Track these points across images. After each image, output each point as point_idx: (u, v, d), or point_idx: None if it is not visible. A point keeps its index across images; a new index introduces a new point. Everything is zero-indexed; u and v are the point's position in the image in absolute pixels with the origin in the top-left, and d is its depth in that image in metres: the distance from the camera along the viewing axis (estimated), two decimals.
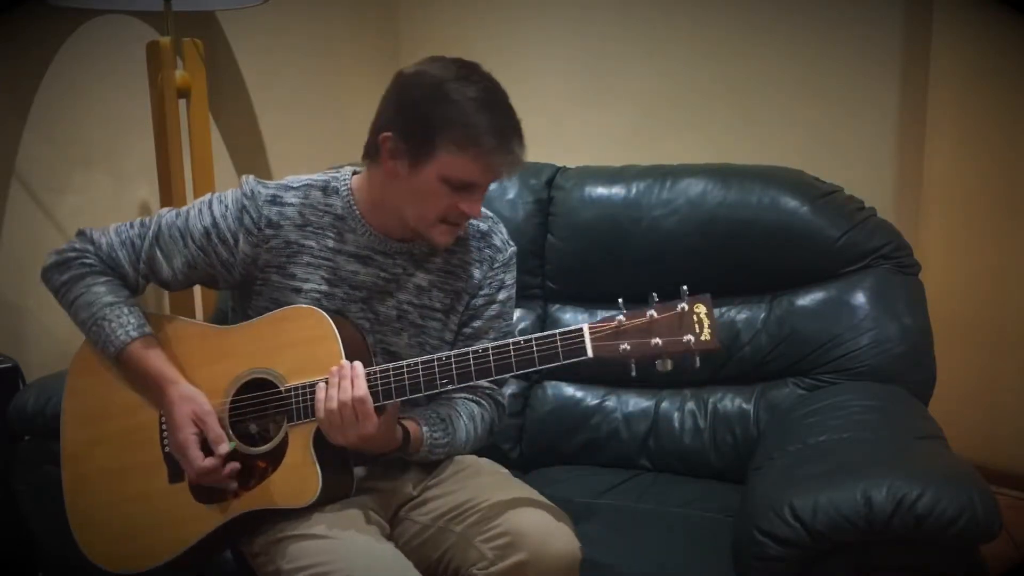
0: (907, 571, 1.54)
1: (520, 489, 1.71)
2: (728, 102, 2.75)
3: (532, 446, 2.23)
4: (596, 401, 2.22)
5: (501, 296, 1.83)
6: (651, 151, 2.53)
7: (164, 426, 1.70)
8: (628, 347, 1.48)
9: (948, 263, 2.80)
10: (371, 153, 1.68)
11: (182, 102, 2.49)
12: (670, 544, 1.81)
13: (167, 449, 1.69)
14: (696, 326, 1.47)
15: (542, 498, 1.68)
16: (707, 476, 2.11)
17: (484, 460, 1.84)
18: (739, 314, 2.15)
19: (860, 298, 2.07)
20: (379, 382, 1.57)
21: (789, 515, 1.53)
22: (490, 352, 1.54)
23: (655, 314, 1.48)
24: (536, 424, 2.23)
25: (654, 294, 1.50)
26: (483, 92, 1.61)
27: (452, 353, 1.57)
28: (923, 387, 2.03)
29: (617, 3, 2.89)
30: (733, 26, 2.72)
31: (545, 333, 1.52)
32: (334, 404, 1.55)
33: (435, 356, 1.57)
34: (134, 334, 1.69)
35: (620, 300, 1.51)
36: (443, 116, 1.59)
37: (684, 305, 1.48)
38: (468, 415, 1.78)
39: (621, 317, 1.49)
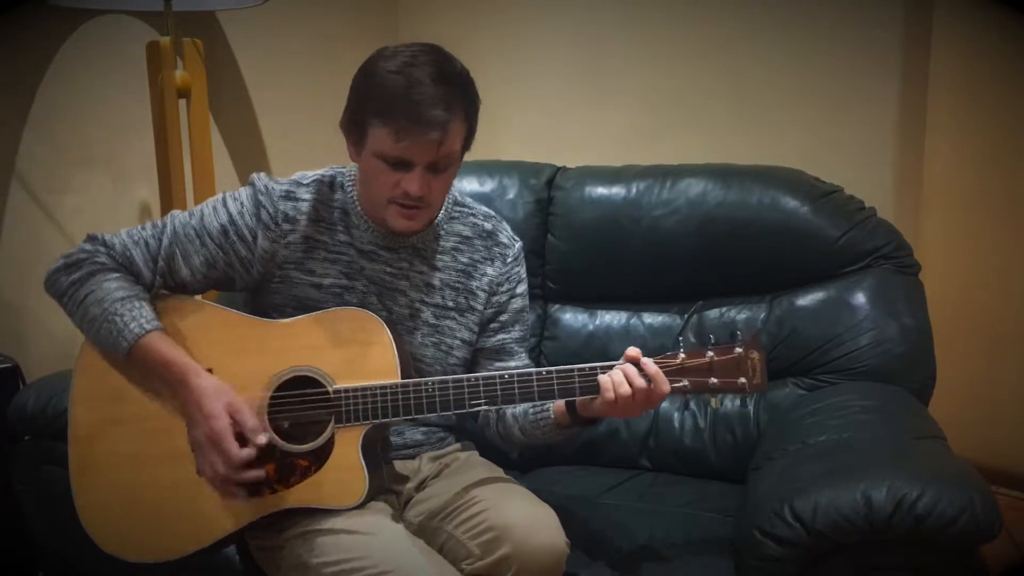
0: (907, 571, 1.54)
1: (507, 485, 1.73)
2: (728, 102, 2.75)
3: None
4: None
5: (520, 289, 1.86)
6: (651, 151, 2.53)
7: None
8: (687, 384, 1.59)
9: (948, 263, 2.80)
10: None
11: (182, 102, 2.49)
12: (670, 544, 1.80)
13: None
14: (750, 370, 1.58)
15: (529, 494, 1.70)
16: (707, 476, 2.11)
17: (477, 458, 1.86)
18: (739, 314, 2.15)
19: (860, 298, 2.07)
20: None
21: (789, 515, 1.53)
22: (554, 375, 1.59)
23: (714, 356, 1.58)
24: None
25: (705, 327, 1.64)
26: (404, 64, 1.59)
27: (515, 373, 1.60)
28: (923, 387, 2.03)
29: (617, 3, 2.89)
30: (733, 26, 2.72)
31: (610, 363, 1.59)
32: (627, 390, 1.55)
33: (496, 374, 1.61)
34: (147, 327, 1.63)
35: (680, 338, 1.63)
36: (366, 92, 1.61)
37: (740, 350, 1.58)
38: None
39: (683, 355, 1.59)
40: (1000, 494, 2.73)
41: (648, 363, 1.56)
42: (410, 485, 1.78)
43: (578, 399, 1.63)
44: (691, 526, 1.87)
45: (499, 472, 1.80)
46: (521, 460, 2.21)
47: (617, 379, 1.56)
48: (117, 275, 1.68)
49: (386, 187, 1.63)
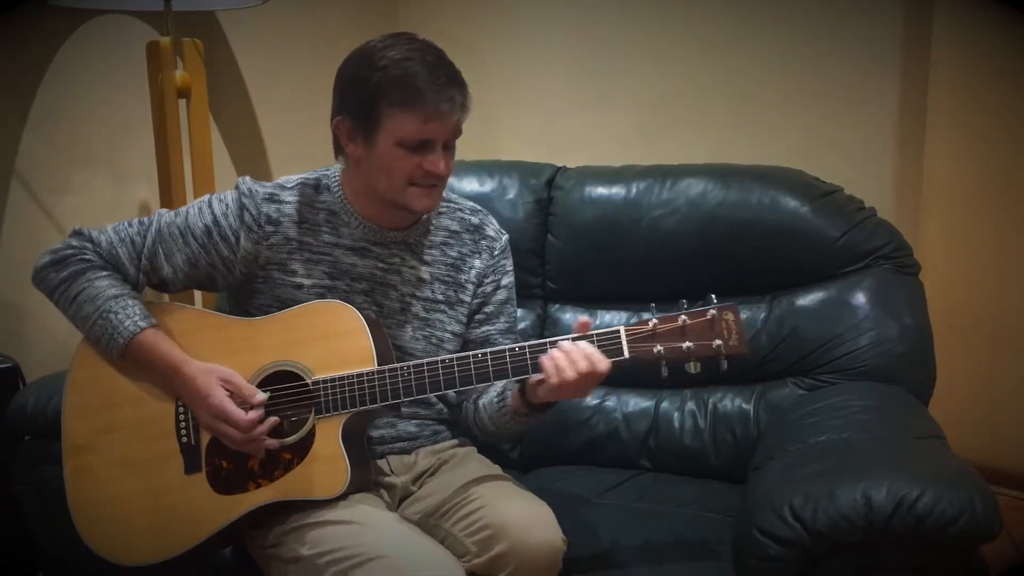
0: (907, 571, 1.54)
1: (504, 483, 1.74)
2: (728, 102, 2.76)
3: (532, 446, 2.23)
4: (596, 401, 2.22)
5: (505, 281, 1.88)
6: (651, 151, 2.54)
7: (181, 416, 1.69)
8: (661, 349, 1.57)
9: (948, 263, 2.80)
10: (337, 147, 1.74)
11: (182, 102, 2.49)
12: (670, 544, 1.81)
13: (184, 439, 1.68)
14: (725, 332, 1.56)
15: (526, 491, 1.71)
16: (707, 476, 2.11)
17: (475, 455, 1.87)
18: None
19: (860, 298, 2.07)
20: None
21: (789, 515, 1.53)
22: (527, 349, 1.60)
23: (687, 319, 1.56)
24: (536, 424, 2.22)
25: (683, 301, 1.59)
26: (409, 51, 1.64)
27: (488, 352, 1.61)
28: (923, 387, 2.03)
29: (617, 4, 2.89)
30: (733, 26, 2.72)
31: (582, 334, 1.58)
32: (570, 374, 1.55)
33: (470, 354, 1.62)
34: (142, 324, 1.67)
35: (652, 305, 1.60)
36: (377, 82, 1.63)
37: (713, 311, 1.56)
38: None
39: (655, 320, 1.57)
40: (1000, 494, 2.73)
41: (583, 345, 1.56)
42: (405, 478, 1.79)
43: (528, 385, 1.64)
44: (691, 526, 1.87)
45: (497, 470, 1.81)
46: (521, 459, 2.22)
47: (561, 364, 1.56)
48: (106, 273, 1.72)
49: (406, 172, 1.66)
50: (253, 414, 1.63)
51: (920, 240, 2.62)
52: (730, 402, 2.14)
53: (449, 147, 1.68)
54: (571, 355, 1.56)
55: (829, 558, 1.54)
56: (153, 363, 1.68)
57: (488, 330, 1.86)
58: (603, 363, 1.56)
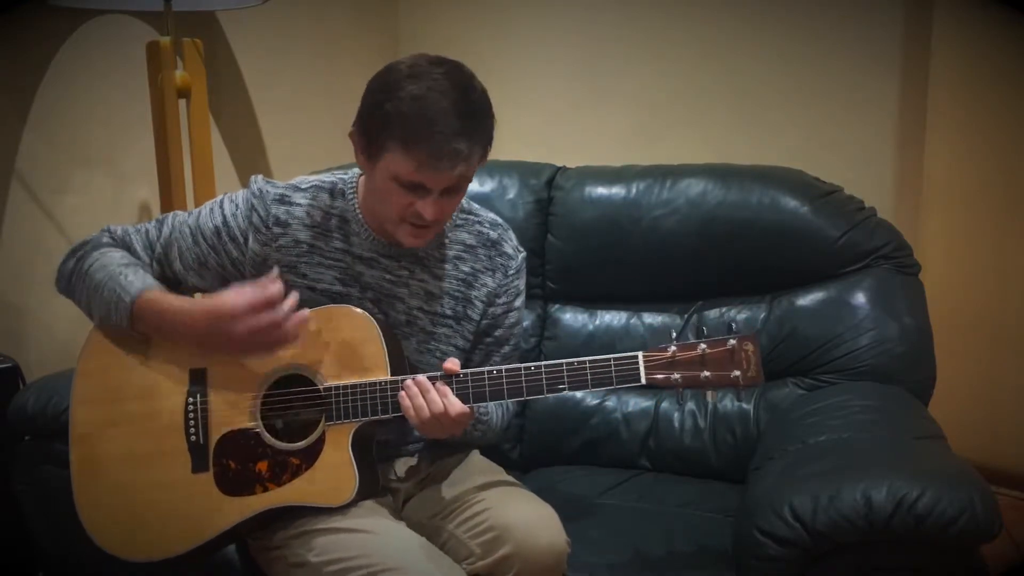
0: (907, 571, 1.54)
1: (509, 485, 1.73)
2: (728, 102, 2.76)
3: (532, 446, 2.23)
4: (596, 401, 2.22)
5: (517, 303, 1.84)
6: (651, 151, 2.54)
7: (191, 413, 1.67)
8: (679, 377, 1.56)
9: (948, 263, 2.80)
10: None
11: (182, 102, 2.49)
12: (670, 544, 1.81)
13: (193, 438, 1.66)
14: (744, 362, 1.54)
15: (530, 494, 1.70)
16: (707, 476, 2.11)
17: (478, 458, 1.86)
18: (739, 314, 2.15)
19: (860, 298, 2.07)
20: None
21: (789, 515, 1.53)
22: (543, 370, 1.58)
23: (706, 348, 1.55)
24: (536, 424, 2.23)
25: (703, 328, 1.59)
26: (431, 88, 1.54)
27: (503, 368, 1.59)
28: (923, 387, 2.03)
29: (617, 4, 2.89)
30: (733, 26, 2.72)
31: (600, 357, 1.57)
32: (426, 414, 1.57)
33: (485, 370, 1.60)
34: (151, 283, 1.66)
35: (673, 334, 1.58)
36: (388, 113, 1.55)
37: (733, 342, 1.54)
38: (496, 402, 1.78)
39: (674, 348, 1.56)
40: (1000, 494, 2.73)
41: (438, 390, 1.57)
42: (408, 483, 1.78)
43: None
44: (691, 526, 1.87)
45: (500, 472, 1.81)
46: (521, 460, 2.22)
47: (418, 404, 1.57)
48: (120, 250, 1.73)
49: (398, 207, 1.60)
50: (276, 286, 1.56)
51: (920, 240, 2.62)
52: (730, 402, 2.14)
53: (451, 191, 1.60)
54: (429, 399, 1.57)
55: (829, 558, 1.54)
56: (162, 315, 1.63)
57: (494, 360, 1.82)
58: (454, 408, 1.57)
